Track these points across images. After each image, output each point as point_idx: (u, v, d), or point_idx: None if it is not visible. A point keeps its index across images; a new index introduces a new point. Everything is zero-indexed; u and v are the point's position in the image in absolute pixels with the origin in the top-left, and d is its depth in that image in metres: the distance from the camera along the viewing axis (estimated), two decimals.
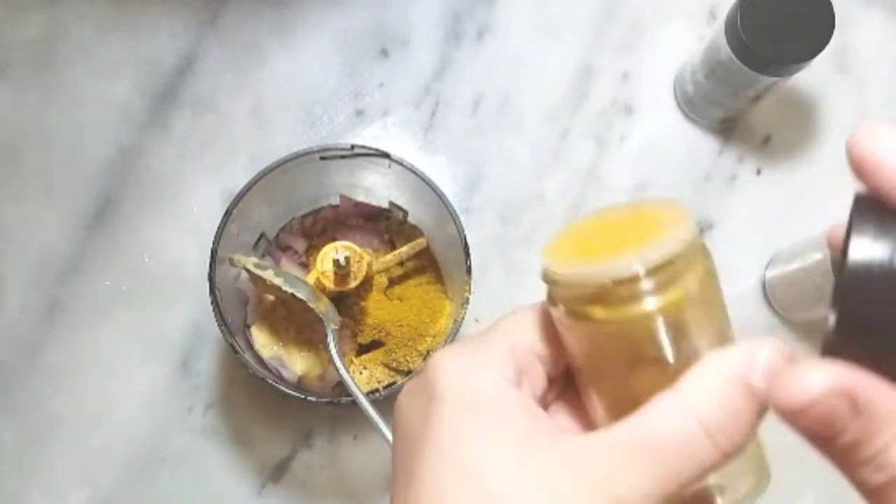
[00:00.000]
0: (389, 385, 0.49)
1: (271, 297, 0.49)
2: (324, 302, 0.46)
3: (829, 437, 0.20)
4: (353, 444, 0.51)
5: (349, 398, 0.43)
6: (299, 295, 0.45)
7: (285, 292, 0.45)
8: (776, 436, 0.24)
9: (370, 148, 0.46)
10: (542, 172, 0.55)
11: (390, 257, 0.50)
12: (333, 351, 0.44)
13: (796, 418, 0.20)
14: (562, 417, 0.28)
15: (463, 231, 0.45)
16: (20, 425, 0.51)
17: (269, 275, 0.45)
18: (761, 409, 0.22)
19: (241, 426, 0.51)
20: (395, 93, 0.56)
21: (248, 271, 0.46)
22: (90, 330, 0.52)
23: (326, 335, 0.45)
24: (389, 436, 0.42)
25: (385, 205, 0.51)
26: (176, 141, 0.55)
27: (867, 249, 0.20)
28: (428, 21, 0.57)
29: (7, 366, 0.51)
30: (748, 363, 0.22)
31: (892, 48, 0.58)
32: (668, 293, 0.24)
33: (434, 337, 0.50)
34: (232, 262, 0.47)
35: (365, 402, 0.42)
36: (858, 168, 0.21)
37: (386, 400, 0.45)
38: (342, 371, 0.43)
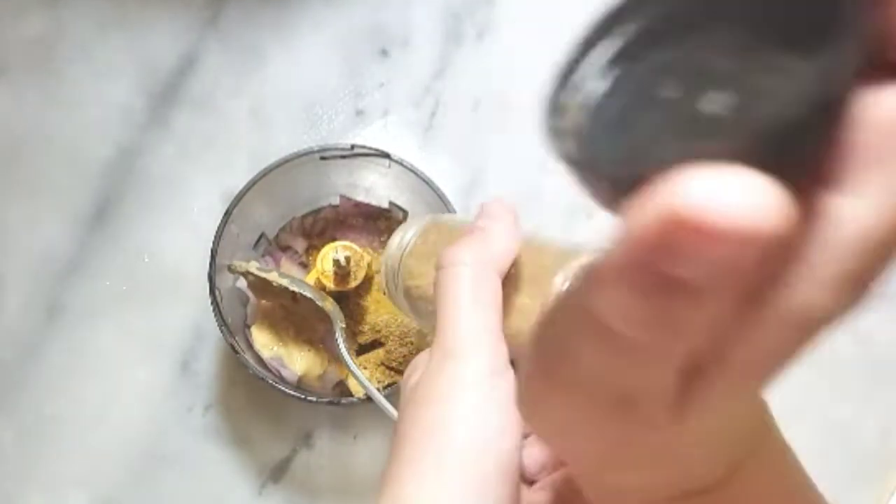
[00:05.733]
0: (389, 385, 0.49)
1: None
2: (329, 301, 0.46)
3: None
4: (353, 444, 0.51)
5: (349, 398, 0.43)
6: (307, 294, 0.45)
7: (287, 296, 0.45)
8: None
9: (370, 148, 0.46)
10: (542, 172, 0.55)
11: None
12: (343, 348, 0.44)
13: None
14: None
15: None
16: (20, 425, 0.51)
17: (273, 276, 0.45)
18: None
19: (241, 426, 0.51)
20: (395, 93, 0.56)
21: (246, 277, 0.46)
22: (90, 330, 0.52)
23: (334, 333, 0.45)
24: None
25: (385, 205, 0.51)
26: (176, 141, 0.55)
27: None
28: (428, 21, 0.57)
29: (7, 366, 0.51)
30: None
31: None
32: None
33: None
34: (231, 269, 0.46)
35: (377, 395, 0.42)
36: None
37: (385, 399, 0.45)
38: (353, 367, 0.43)
